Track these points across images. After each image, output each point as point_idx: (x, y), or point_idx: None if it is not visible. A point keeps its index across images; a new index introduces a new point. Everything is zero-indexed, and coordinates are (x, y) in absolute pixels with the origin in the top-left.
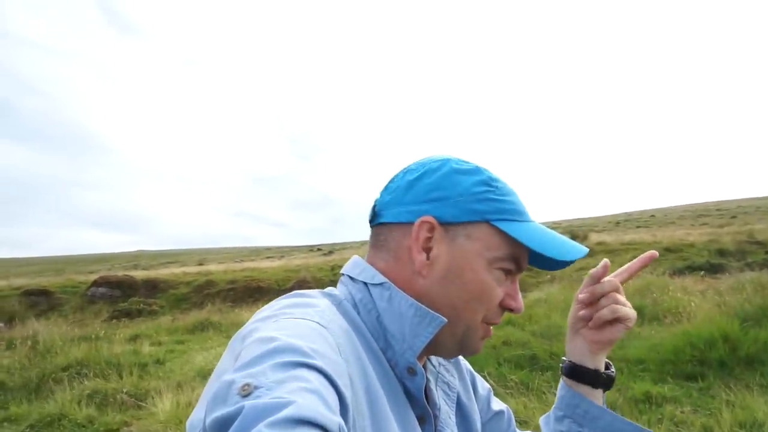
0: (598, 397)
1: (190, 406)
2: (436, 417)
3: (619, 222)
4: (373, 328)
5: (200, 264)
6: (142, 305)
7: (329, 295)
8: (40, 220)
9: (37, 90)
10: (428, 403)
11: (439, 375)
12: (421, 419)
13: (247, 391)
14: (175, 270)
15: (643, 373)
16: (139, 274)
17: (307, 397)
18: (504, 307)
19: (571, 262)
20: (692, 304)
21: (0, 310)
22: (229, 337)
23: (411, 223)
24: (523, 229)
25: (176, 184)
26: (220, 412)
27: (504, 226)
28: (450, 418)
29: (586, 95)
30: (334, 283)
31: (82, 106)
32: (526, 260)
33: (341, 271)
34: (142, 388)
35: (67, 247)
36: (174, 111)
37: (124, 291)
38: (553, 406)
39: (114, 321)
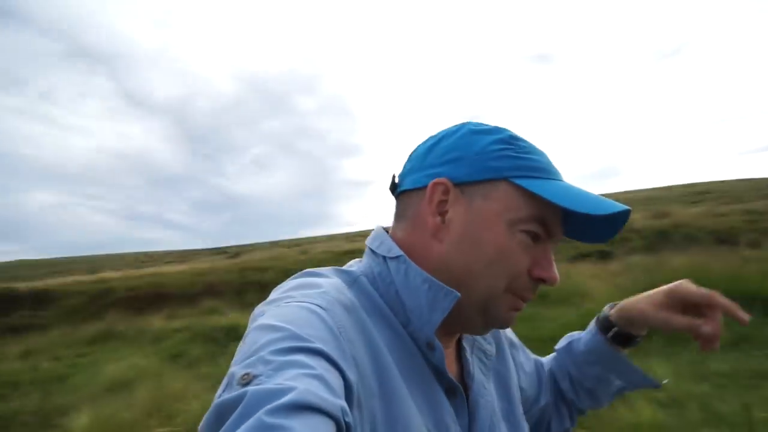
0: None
1: (113, 419)
2: (468, 387)
3: None
4: (393, 303)
5: (92, 272)
6: (28, 319)
7: (343, 273)
8: None
9: None
10: (463, 373)
11: (475, 342)
12: (450, 391)
13: (247, 380)
14: (66, 279)
15: None
16: (21, 286)
17: (308, 382)
18: (535, 278)
19: (611, 217)
20: (591, 286)
21: None
22: (136, 345)
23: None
24: (547, 186)
25: (62, 185)
26: (222, 397)
27: (525, 183)
28: (485, 387)
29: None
30: (244, 287)
31: None
32: (558, 225)
33: (366, 243)
34: (46, 407)
35: None
36: (61, 103)
37: (6, 305)
38: (581, 350)
39: None
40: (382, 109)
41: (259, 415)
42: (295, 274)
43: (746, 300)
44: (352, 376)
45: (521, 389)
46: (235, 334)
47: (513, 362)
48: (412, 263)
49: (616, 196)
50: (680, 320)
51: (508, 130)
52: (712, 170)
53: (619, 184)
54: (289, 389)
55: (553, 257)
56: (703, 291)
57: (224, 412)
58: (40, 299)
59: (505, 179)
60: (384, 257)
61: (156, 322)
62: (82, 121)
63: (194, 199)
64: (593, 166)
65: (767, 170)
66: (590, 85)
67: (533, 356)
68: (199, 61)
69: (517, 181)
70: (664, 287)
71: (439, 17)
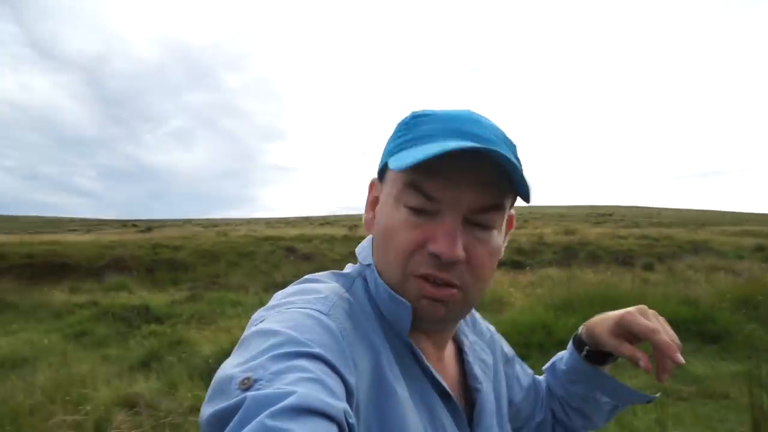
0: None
1: (7, 402)
2: (476, 391)
3: None
4: (382, 307)
5: None
6: None
7: (342, 276)
8: None
9: None
10: (468, 377)
11: (475, 351)
12: (443, 395)
13: (247, 385)
14: None
15: None
16: None
17: (309, 386)
18: (429, 253)
19: (500, 166)
20: (510, 295)
21: None
22: (34, 320)
23: None
24: (407, 154)
25: None
26: (220, 405)
27: (391, 159)
28: (490, 394)
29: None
30: (156, 264)
31: None
32: (440, 188)
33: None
34: None
35: None
36: None
37: None
38: (562, 370)
39: None
40: (312, 97)
41: (260, 419)
42: (296, 281)
43: None
44: (352, 379)
45: (515, 404)
46: (147, 315)
47: (505, 377)
48: (375, 272)
49: (529, 210)
50: (625, 349)
51: (418, 111)
52: (615, 194)
53: (533, 200)
54: (291, 393)
55: (454, 230)
56: (646, 325)
57: (223, 418)
58: None
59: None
60: (366, 265)
61: (57, 295)
62: None
63: (104, 166)
64: None
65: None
66: (513, 95)
67: (530, 371)
68: (120, 18)
69: (389, 160)
70: (616, 313)
71: (378, 19)
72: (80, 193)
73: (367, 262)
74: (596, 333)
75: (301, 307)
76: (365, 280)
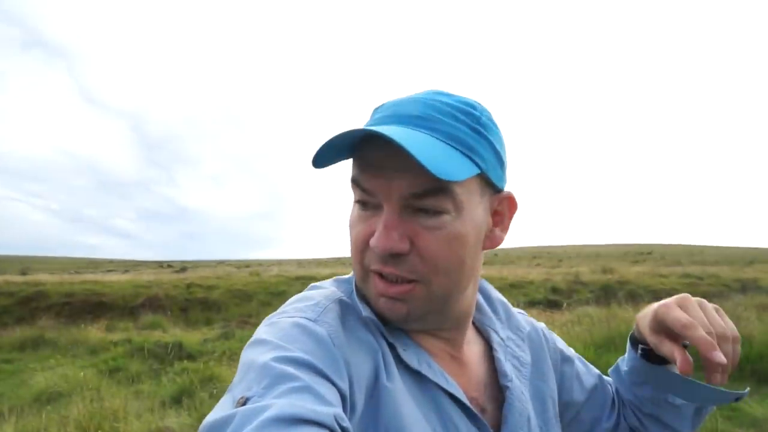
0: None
1: None
2: (507, 389)
3: None
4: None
5: (24, 273)
6: None
7: (343, 282)
8: None
9: None
10: (498, 374)
11: (508, 348)
12: (452, 397)
13: (241, 403)
14: None
15: None
16: None
17: (297, 396)
18: (371, 247)
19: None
20: None
21: None
22: (70, 355)
23: None
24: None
25: (0, 178)
26: (214, 416)
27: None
28: (523, 393)
29: None
30: (190, 303)
31: None
32: (367, 180)
33: None
34: None
35: None
36: (12, 96)
37: None
38: (625, 371)
39: None
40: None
41: (249, 430)
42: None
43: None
44: (342, 383)
45: (573, 404)
46: (179, 352)
47: (562, 375)
48: None
49: (563, 249)
50: (665, 348)
51: (379, 104)
52: (653, 232)
53: (566, 238)
54: (278, 404)
55: (390, 221)
56: (678, 319)
57: (212, 429)
58: None
59: None
60: None
61: (93, 332)
62: (32, 113)
63: (143, 208)
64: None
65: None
66: (544, 126)
67: (595, 371)
68: (164, 69)
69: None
70: (654, 305)
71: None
72: (120, 235)
73: None
74: (640, 329)
75: (291, 316)
76: None
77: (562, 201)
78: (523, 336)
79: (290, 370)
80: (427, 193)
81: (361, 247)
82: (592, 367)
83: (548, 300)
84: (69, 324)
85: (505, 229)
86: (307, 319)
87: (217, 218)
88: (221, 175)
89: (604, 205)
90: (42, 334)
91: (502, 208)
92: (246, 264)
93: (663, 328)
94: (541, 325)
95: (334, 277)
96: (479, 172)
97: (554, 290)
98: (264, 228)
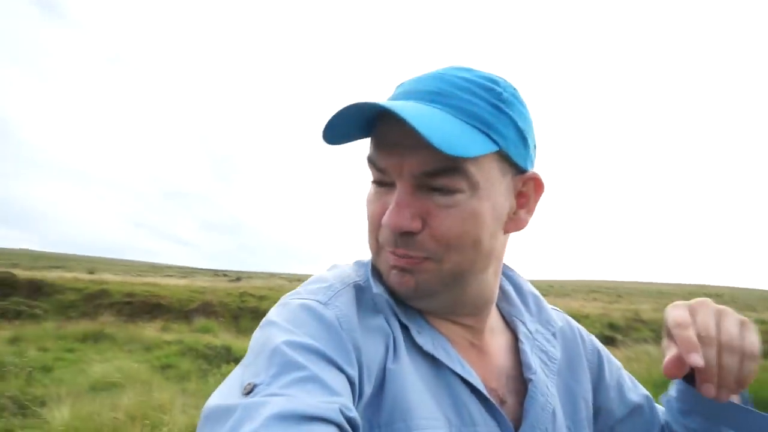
0: None
1: (94, 418)
2: (530, 381)
3: None
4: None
5: (90, 272)
6: (23, 306)
7: (363, 264)
8: None
9: None
10: (522, 365)
11: (536, 342)
12: (467, 384)
13: (248, 390)
14: (65, 274)
15: None
16: (20, 274)
17: (303, 387)
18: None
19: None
20: None
21: None
22: (126, 350)
23: None
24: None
25: (77, 182)
26: (218, 401)
27: None
28: (548, 388)
29: None
30: (241, 311)
31: None
32: (381, 158)
33: None
34: (28, 394)
35: None
36: (92, 107)
37: (2, 290)
38: (674, 398)
39: None
40: None
41: (254, 427)
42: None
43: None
44: (350, 368)
45: (605, 411)
46: (228, 356)
47: (600, 380)
48: None
49: (623, 284)
50: (666, 350)
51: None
52: (726, 274)
53: (627, 273)
54: (282, 400)
55: (402, 199)
56: (675, 318)
57: (216, 417)
58: (37, 289)
59: None
60: None
61: (149, 331)
62: (110, 122)
63: (203, 219)
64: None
65: None
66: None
67: (644, 391)
68: (235, 78)
69: None
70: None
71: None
72: (180, 242)
73: None
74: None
75: (303, 298)
76: None
77: (627, 234)
78: (554, 331)
79: (298, 357)
80: (439, 172)
81: (376, 224)
82: (641, 387)
83: (604, 336)
84: (128, 321)
85: (530, 211)
86: (317, 302)
87: (271, 229)
88: (277, 190)
89: (672, 241)
90: (103, 329)
91: (528, 190)
92: (297, 278)
93: (667, 328)
94: (579, 325)
95: (357, 260)
96: (497, 149)
97: (611, 326)
98: (316, 241)
